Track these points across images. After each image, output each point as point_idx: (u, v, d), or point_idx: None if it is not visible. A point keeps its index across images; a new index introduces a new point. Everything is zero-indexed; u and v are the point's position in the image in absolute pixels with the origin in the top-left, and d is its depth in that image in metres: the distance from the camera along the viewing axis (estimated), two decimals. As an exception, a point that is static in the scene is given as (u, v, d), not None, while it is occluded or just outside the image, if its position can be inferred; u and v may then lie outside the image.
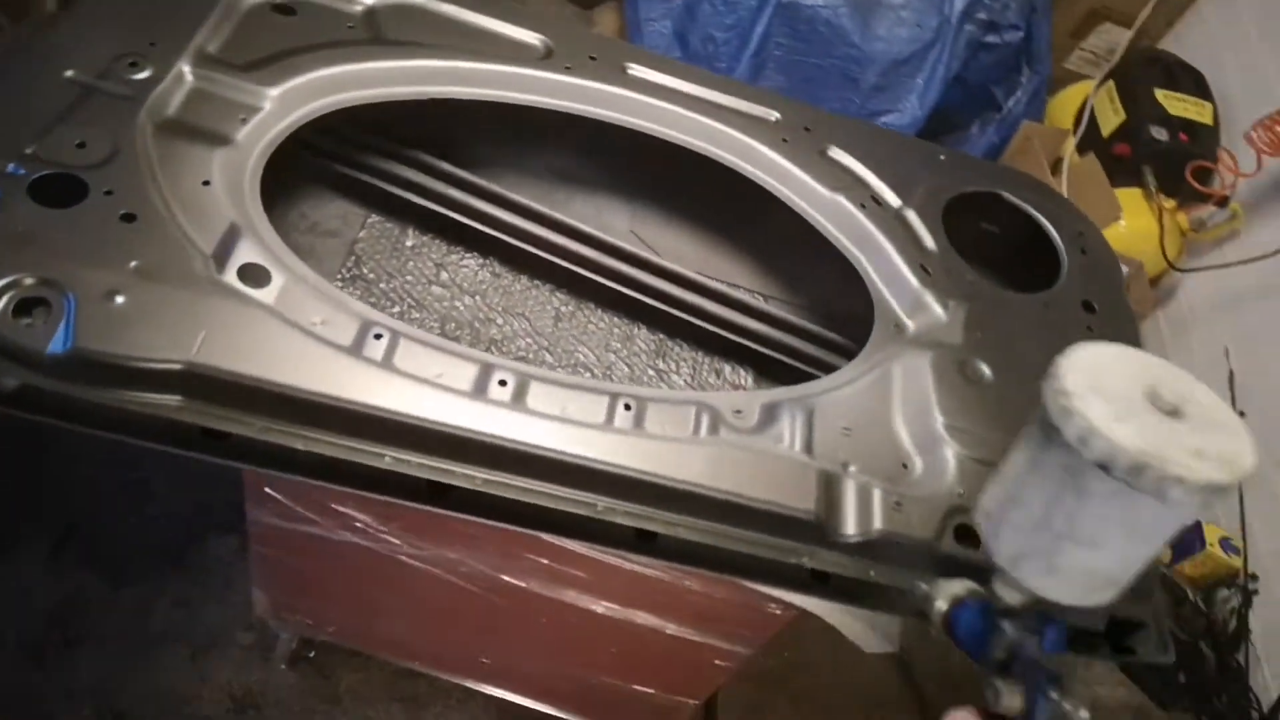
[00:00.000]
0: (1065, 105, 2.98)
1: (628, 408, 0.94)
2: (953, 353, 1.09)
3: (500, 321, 1.18)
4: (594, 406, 0.93)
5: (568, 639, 1.50)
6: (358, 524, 1.28)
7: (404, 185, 1.21)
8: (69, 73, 0.98)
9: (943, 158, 1.34)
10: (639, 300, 1.22)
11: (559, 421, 0.91)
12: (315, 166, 1.18)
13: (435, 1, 1.22)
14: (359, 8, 1.19)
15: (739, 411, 0.99)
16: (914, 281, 1.16)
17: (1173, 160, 2.62)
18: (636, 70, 1.25)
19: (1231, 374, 2.32)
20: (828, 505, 0.93)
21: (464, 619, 1.52)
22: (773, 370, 1.24)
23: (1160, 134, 2.65)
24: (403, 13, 1.20)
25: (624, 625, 1.37)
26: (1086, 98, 2.89)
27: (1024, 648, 0.75)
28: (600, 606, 1.35)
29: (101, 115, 0.96)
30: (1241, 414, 2.57)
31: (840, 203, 1.21)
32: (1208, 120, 2.70)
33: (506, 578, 1.34)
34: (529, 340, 1.18)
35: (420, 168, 1.22)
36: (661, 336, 1.25)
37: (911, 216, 1.23)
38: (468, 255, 1.23)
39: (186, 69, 1.04)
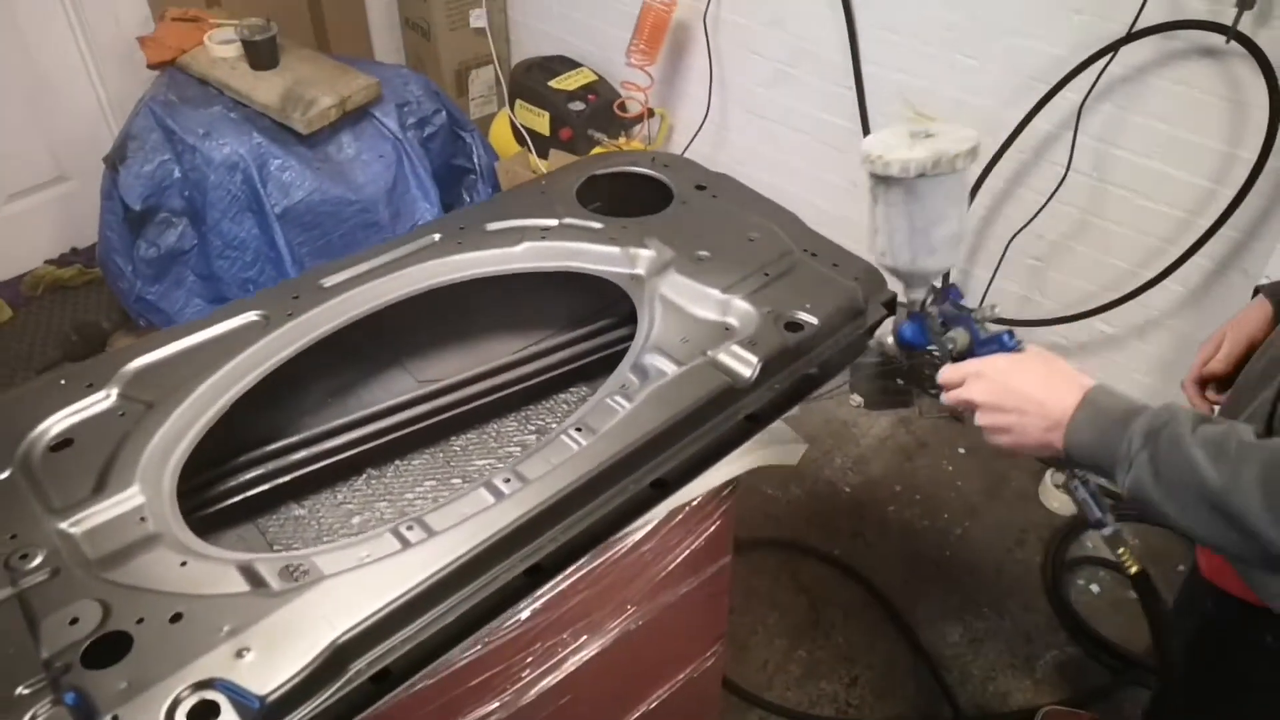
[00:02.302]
0: (501, 136, 3.58)
1: (579, 430, 1.22)
2: (679, 260, 1.50)
3: (414, 494, 1.38)
4: (564, 445, 1.20)
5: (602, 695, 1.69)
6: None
7: (251, 484, 1.34)
8: (-13, 599, 1.02)
9: (544, 183, 1.75)
10: (479, 407, 1.49)
11: (573, 451, 1.17)
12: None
13: (157, 353, 1.35)
14: (110, 400, 1.29)
15: (624, 384, 1.31)
16: (616, 250, 1.55)
17: (601, 114, 3.31)
18: (329, 281, 1.48)
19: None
20: (728, 373, 1.30)
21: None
22: (593, 371, 1.57)
23: (578, 106, 3.33)
24: (143, 377, 1.32)
25: (630, 640, 1.61)
26: (511, 121, 3.51)
27: (945, 312, 1.20)
28: (602, 641, 1.57)
29: (55, 601, 1.02)
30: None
31: (529, 247, 1.56)
32: (594, 77, 3.43)
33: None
34: (446, 487, 1.40)
35: (252, 463, 1.36)
36: (515, 414, 1.53)
37: (570, 221, 1.61)
38: (347, 482, 1.39)
39: (64, 526, 1.10)
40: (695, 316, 1.41)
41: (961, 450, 2.83)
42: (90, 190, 2.99)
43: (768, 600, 2.42)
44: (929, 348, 1.21)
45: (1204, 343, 1.40)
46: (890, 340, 1.24)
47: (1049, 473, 2.67)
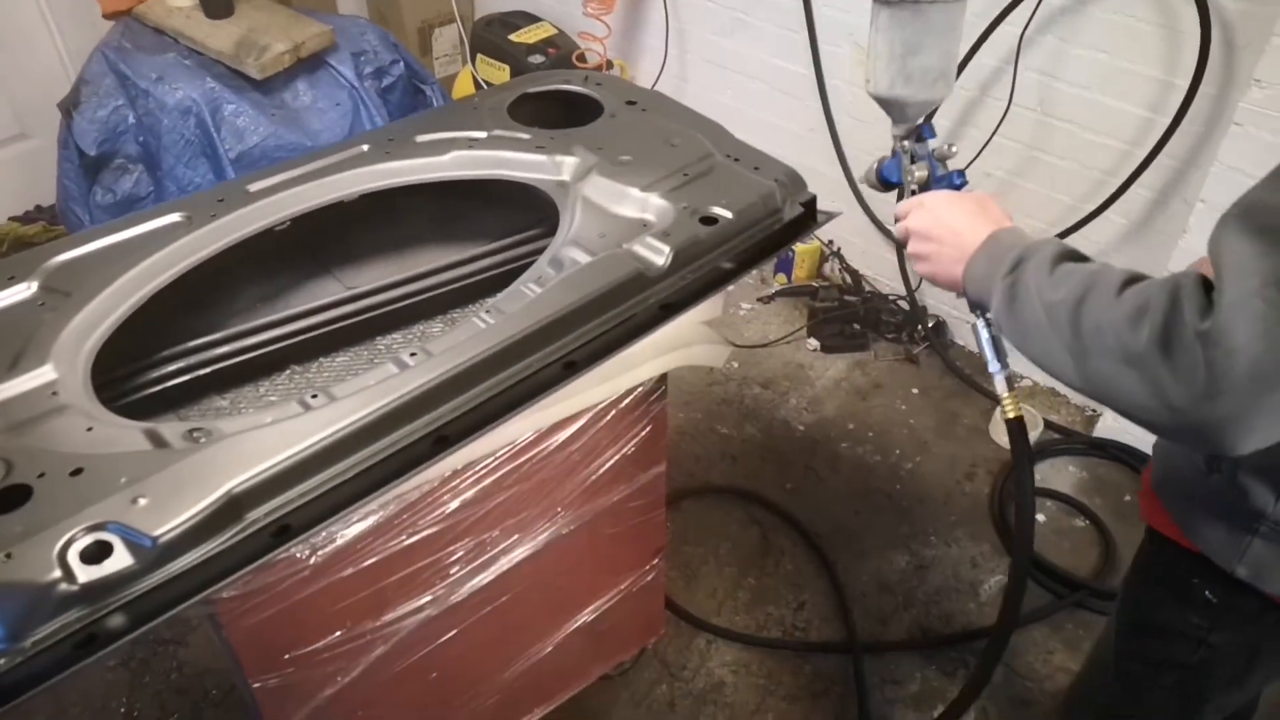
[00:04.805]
0: (464, 92, 3.58)
1: (488, 312, 1.24)
2: (602, 165, 1.52)
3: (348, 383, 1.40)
4: (472, 325, 1.22)
5: (540, 599, 1.72)
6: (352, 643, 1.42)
7: (173, 375, 1.37)
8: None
9: (476, 101, 1.77)
10: (404, 309, 1.51)
11: (480, 329, 1.20)
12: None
13: (79, 249, 1.38)
14: (30, 291, 1.31)
15: (540, 276, 1.33)
16: (542, 158, 1.57)
17: (560, 66, 3.32)
18: (255, 186, 1.51)
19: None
20: (640, 261, 1.32)
21: (476, 657, 1.69)
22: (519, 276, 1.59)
23: (538, 58, 3.34)
24: (64, 270, 1.34)
25: (565, 545, 1.64)
26: (473, 76, 3.52)
27: (915, 149, 1.31)
28: (534, 543, 1.60)
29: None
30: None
31: (456, 156, 1.58)
32: (553, 31, 3.44)
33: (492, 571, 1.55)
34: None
35: (176, 356, 1.38)
36: (441, 316, 1.55)
37: (498, 133, 1.63)
38: (269, 378, 1.42)
39: (-29, 404, 1.13)
40: (614, 214, 1.44)
41: (915, 390, 2.86)
42: (53, 147, 2.99)
43: (719, 532, 2.44)
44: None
45: None
46: (871, 175, 1.38)
47: (998, 408, 2.69)
